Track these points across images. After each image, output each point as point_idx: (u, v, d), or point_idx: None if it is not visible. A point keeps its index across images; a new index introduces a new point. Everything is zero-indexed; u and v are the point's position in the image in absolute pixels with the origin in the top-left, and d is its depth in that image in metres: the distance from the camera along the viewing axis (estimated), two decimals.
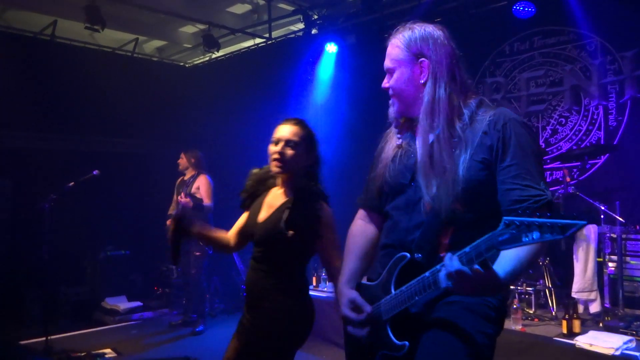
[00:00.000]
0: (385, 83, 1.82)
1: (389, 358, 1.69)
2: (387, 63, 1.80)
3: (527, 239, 1.22)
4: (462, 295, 1.58)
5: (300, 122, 2.34)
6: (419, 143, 1.73)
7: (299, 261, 2.30)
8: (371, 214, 1.96)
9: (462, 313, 1.62)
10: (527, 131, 1.65)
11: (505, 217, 1.26)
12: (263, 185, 2.43)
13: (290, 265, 2.28)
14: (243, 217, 2.48)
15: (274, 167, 2.25)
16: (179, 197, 5.51)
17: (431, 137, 1.69)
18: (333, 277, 2.17)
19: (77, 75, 6.74)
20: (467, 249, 1.38)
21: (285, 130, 2.29)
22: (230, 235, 2.52)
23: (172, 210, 5.80)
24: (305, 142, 2.29)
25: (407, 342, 1.63)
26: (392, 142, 1.87)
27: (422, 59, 1.74)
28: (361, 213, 2.00)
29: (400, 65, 1.76)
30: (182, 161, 5.92)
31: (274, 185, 2.42)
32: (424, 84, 1.73)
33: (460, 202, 1.61)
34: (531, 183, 1.56)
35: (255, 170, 2.48)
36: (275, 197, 2.37)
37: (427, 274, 1.53)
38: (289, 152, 2.25)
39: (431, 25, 1.81)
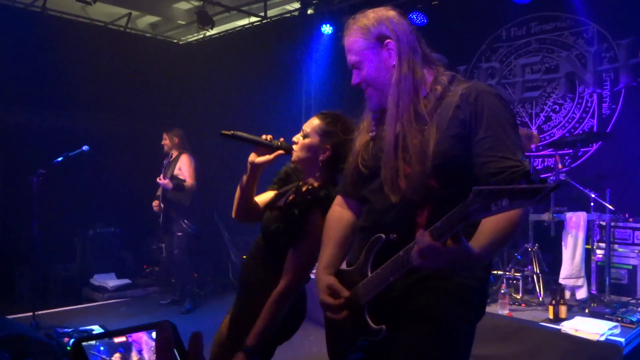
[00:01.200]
0: (356, 79, 1.76)
1: (367, 342, 1.68)
2: (352, 58, 1.74)
3: (496, 207, 1.18)
4: (436, 270, 1.55)
5: (321, 115, 2.24)
6: (387, 125, 1.69)
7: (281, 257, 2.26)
8: (348, 199, 1.92)
9: (443, 298, 1.59)
10: (500, 102, 1.61)
11: (474, 187, 1.22)
12: (291, 178, 2.38)
13: (276, 261, 2.20)
14: (268, 195, 2.39)
15: (276, 153, 2.20)
16: (157, 178, 5.48)
17: (397, 121, 1.66)
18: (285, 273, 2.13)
19: (68, 49, 6.63)
20: (438, 223, 1.34)
21: (307, 124, 2.24)
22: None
23: (160, 192, 5.75)
24: (319, 134, 2.18)
25: (383, 327, 1.60)
26: (367, 130, 1.83)
27: (387, 40, 1.69)
28: (339, 199, 1.97)
29: (366, 55, 1.72)
30: (167, 142, 5.84)
31: (302, 178, 2.35)
32: (394, 65, 1.69)
33: (435, 179, 1.58)
34: (507, 154, 1.53)
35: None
36: (279, 191, 2.35)
37: (400, 252, 1.50)
38: (300, 141, 2.19)
39: (382, 7, 1.76)
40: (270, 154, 2.16)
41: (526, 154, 5.77)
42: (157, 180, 5.45)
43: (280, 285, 2.09)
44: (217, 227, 6.76)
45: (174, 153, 5.81)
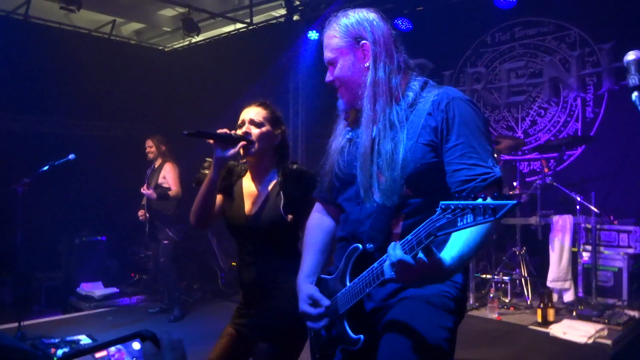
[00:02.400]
0: (329, 76, 1.76)
1: (347, 352, 1.68)
2: (328, 54, 1.74)
3: (462, 223, 1.18)
4: (408, 284, 1.56)
5: (263, 104, 2.32)
6: (362, 131, 1.68)
7: (296, 240, 2.29)
8: (327, 206, 1.93)
9: (422, 307, 1.59)
10: (472, 108, 1.61)
11: (441, 202, 1.22)
12: (232, 175, 2.37)
13: (292, 248, 2.26)
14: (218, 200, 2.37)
15: (242, 150, 2.19)
16: (142, 189, 5.39)
17: (373, 125, 1.65)
18: None
19: (52, 56, 6.57)
20: (409, 236, 1.34)
21: (248, 112, 2.28)
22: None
23: (144, 201, 5.67)
24: (270, 122, 2.27)
25: (362, 336, 1.60)
26: (341, 135, 1.83)
27: (363, 41, 1.69)
28: (318, 206, 1.97)
29: (342, 54, 1.71)
30: (152, 149, 5.69)
31: (243, 172, 2.37)
32: (368, 67, 1.68)
33: (410, 187, 1.58)
34: (478, 161, 1.52)
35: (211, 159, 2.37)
36: (252, 186, 2.31)
37: (375, 264, 1.50)
38: (254, 131, 2.22)
39: (364, 9, 1.76)
40: (232, 146, 2.14)
41: (513, 157, 5.83)
42: (141, 190, 5.38)
43: None
44: (205, 234, 6.71)
45: (158, 161, 5.70)
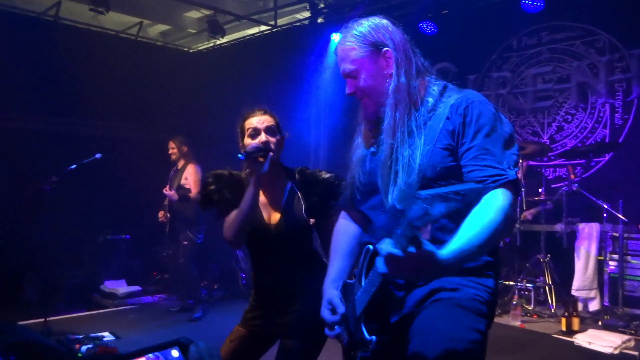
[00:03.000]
0: (351, 88, 1.72)
1: (366, 358, 1.66)
2: (347, 66, 1.70)
3: (434, 211, 1.18)
4: (405, 279, 1.56)
5: (267, 111, 2.30)
6: (383, 139, 1.66)
7: (315, 243, 2.31)
8: (352, 212, 1.92)
9: (453, 310, 1.57)
10: (490, 111, 1.58)
11: (418, 192, 1.22)
12: (242, 186, 2.24)
13: (312, 249, 2.29)
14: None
15: (260, 159, 2.09)
16: (164, 190, 5.45)
17: (393, 132, 1.64)
18: None
19: (80, 57, 6.68)
20: (398, 230, 1.31)
21: (259, 121, 2.23)
22: None
23: (166, 202, 5.72)
24: (278, 128, 2.28)
25: (374, 337, 1.60)
26: (361, 146, 1.81)
27: (385, 48, 1.66)
28: (344, 213, 1.97)
29: (363, 63, 1.67)
30: (174, 150, 5.71)
31: (245, 183, 2.27)
32: (391, 74, 1.66)
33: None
34: (491, 163, 1.51)
35: (217, 173, 2.30)
36: (265, 194, 2.28)
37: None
38: (272, 139, 2.20)
39: (374, 17, 1.73)
40: (264, 159, 2.10)
41: (538, 163, 5.75)
42: (164, 191, 5.45)
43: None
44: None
45: (181, 162, 5.72)
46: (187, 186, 5.53)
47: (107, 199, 6.86)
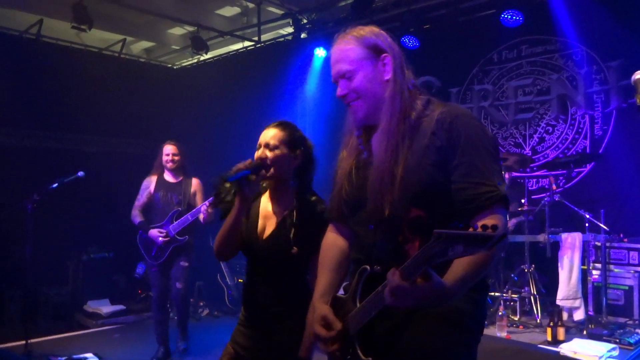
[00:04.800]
0: (343, 90, 1.67)
1: None
2: (343, 67, 1.66)
3: (452, 253, 1.19)
4: (410, 308, 1.53)
5: (280, 124, 2.27)
6: (379, 145, 1.64)
7: (303, 273, 2.25)
8: (340, 226, 1.90)
9: (440, 325, 1.57)
10: (476, 126, 1.59)
11: (435, 230, 1.21)
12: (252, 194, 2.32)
13: (296, 279, 2.22)
14: None
15: (262, 173, 2.16)
16: (203, 207, 4.44)
17: (387, 142, 1.62)
18: None
19: (63, 74, 6.67)
20: (407, 262, 1.33)
21: (264, 135, 2.23)
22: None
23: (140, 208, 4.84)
24: (287, 144, 2.21)
25: (370, 359, 1.58)
26: (350, 155, 1.79)
27: (384, 54, 1.66)
28: (331, 226, 1.94)
29: (361, 65, 1.65)
30: (177, 157, 4.78)
31: (263, 191, 2.34)
32: (388, 81, 1.65)
33: (420, 208, 1.55)
34: (482, 180, 1.51)
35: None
36: (269, 207, 2.28)
37: (380, 288, 1.48)
38: (269, 154, 2.18)
39: (373, 26, 1.74)
40: (254, 178, 2.11)
41: (521, 174, 5.81)
42: (203, 209, 4.44)
43: None
44: (211, 250, 6.72)
45: (170, 173, 4.82)
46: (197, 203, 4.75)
47: (91, 216, 6.80)
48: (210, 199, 4.29)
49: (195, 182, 4.84)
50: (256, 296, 2.27)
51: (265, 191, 2.34)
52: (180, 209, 4.71)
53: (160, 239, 4.64)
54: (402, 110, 1.64)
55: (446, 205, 1.55)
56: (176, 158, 4.77)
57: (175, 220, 4.65)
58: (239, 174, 2.07)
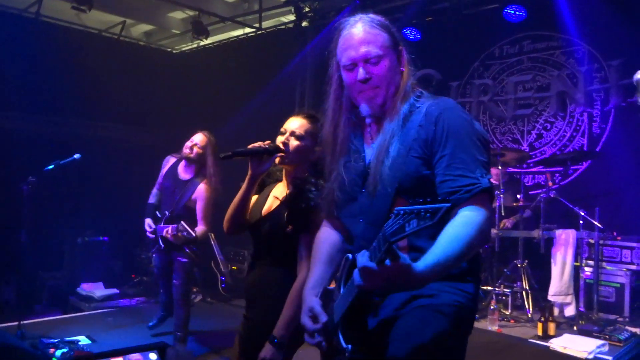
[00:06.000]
0: (367, 74, 1.63)
1: None
2: (373, 51, 1.63)
3: (409, 228, 1.20)
4: (380, 291, 1.56)
5: (310, 116, 2.27)
6: (379, 141, 1.66)
7: (296, 255, 2.27)
8: (333, 220, 1.91)
9: (432, 316, 1.58)
10: (462, 118, 1.59)
11: (395, 208, 1.24)
12: (270, 177, 2.38)
13: (289, 259, 2.24)
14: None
15: (277, 157, 2.19)
16: (166, 231, 3.93)
17: (390, 134, 1.63)
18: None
19: (61, 55, 6.61)
20: (374, 243, 1.33)
21: (293, 122, 2.25)
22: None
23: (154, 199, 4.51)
24: (312, 136, 2.22)
25: (349, 346, 1.60)
26: (343, 149, 1.79)
27: (400, 46, 1.69)
28: (325, 221, 1.96)
29: (388, 52, 1.65)
30: (200, 151, 4.15)
31: (281, 178, 2.36)
32: (403, 73, 1.68)
33: (407, 200, 1.55)
34: (464, 172, 1.51)
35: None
36: (280, 191, 2.32)
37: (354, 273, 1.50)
38: (293, 142, 2.20)
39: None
40: (266, 159, 2.15)
41: (517, 170, 5.82)
42: (165, 233, 3.94)
43: (301, 274, 2.10)
44: (207, 238, 6.72)
45: (191, 172, 4.23)
46: (185, 232, 3.86)
47: (87, 199, 6.79)
48: (174, 226, 3.84)
49: (201, 187, 4.11)
50: (250, 276, 2.33)
51: (282, 179, 2.37)
52: (167, 212, 4.24)
53: (147, 233, 4.32)
54: (405, 103, 1.66)
55: (431, 197, 1.55)
56: (196, 150, 4.14)
57: (163, 223, 4.18)
58: (251, 149, 2.12)
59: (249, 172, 2.18)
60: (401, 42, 1.70)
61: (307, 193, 2.16)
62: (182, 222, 3.85)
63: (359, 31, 1.66)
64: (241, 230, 2.35)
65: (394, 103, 1.66)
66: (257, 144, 2.14)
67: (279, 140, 2.22)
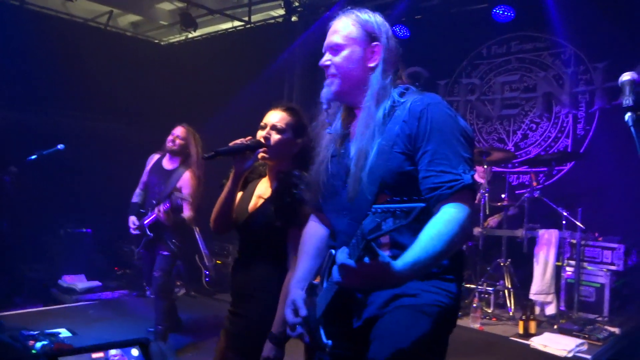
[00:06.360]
0: (327, 60, 1.72)
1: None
2: (336, 39, 1.70)
3: (385, 227, 1.21)
4: (359, 289, 1.56)
5: (289, 109, 2.27)
6: (357, 137, 1.67)
7: (284, 250, 2.26)
8: (320, 214, 1.91)
9: (414, 316, 1.58)
10: (446, 114, 1.59)
11: (373, 206, 1.24)
12: (253, 173, 2.36)
13: (280, 254, 2.22)
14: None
15: (260, 153, 2.17)
16: (156, 209, 4.00)
17: (366, 130, 1.64)
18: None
19: (46, 44, 6.50)
20: (353, 240, 1.33)
21: (273, 116, 2.23)
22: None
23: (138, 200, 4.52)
24: (293, 129, 2.21)
25: (330, 342, 1.60)
26: (328, 144, 1.80)
27: (376, 42, 1.69)
28: (313, 215, 1.96)
29: (353, 43, 1.69)
30: (181, 142, 4.24)
31: (264, 174, 2.35)
32: (373, 68, 1.68)
33: (390, 196, 1.51)
34: (446, 168, 1.51)
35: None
36: (265, 187, 2.31)
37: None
38: (275, 136, 2.18)
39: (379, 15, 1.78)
40: (249, 155, 2.14)
41: (503, 169, 5.86)
42: (157, 211, 3.98)
43: (293, 269, 2.06)
44: (191, 231, 6.67)
45: (176, 161, 4.28)
46: (180, 199, 4.01)
47: (70, 191, 6.69)
48: (167, 202, 3.90)
49: (186, 175, 4.17)
50: (237, 273, 2.31)
51: (266, 174, 2.35)
52: (154, 201, 4.18)
53: (131, 229, 4.33)
54: (381, 99, 1.66)
55: (415, 193, 1.55)
56: (179, 142, 4.23)
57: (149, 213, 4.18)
58: (233, 147, 2.10)
59: (233, 170, 2.17)
60: (382, 41, 1.69)
61: (292, 187, 2.14)
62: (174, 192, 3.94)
63: (336, 21, 1.75)
64: (229, 229, 2.33)
65: (371, 99, 1.66)
66: (238, 141, 2.13)
67: (260, 135, 2.19)
